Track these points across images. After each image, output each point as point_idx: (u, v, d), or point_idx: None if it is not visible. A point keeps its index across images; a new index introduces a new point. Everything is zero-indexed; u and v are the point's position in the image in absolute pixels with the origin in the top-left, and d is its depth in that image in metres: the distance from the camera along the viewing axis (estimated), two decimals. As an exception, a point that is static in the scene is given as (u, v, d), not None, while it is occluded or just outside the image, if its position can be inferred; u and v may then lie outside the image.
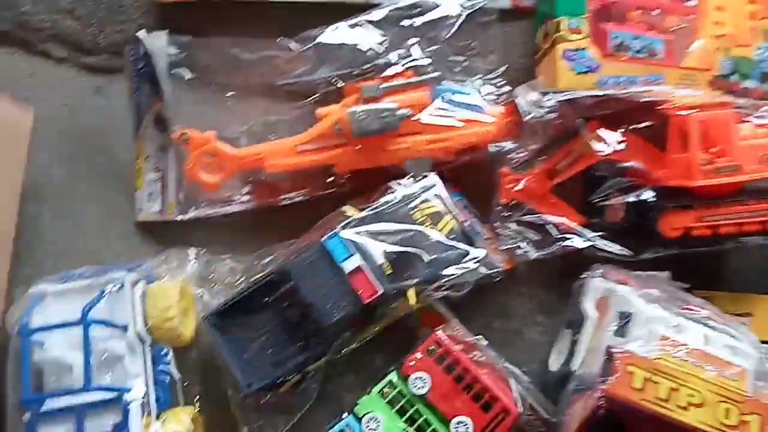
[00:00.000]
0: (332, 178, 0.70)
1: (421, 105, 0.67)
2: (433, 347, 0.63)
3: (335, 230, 0.61)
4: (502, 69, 0.72)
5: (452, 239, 0.63)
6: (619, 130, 0.65)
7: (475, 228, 0.66)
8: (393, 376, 0.63)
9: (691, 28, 0.71)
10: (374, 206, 0.63)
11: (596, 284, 0.64)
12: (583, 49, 0.68)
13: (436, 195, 0.64)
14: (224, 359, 0.61)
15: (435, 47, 0.69)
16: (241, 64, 0.70)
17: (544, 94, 0.63)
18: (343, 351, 0.63)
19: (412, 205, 0.63)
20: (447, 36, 0.69)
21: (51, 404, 0.55)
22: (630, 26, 0.70)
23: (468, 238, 0.63)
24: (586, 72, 0.68)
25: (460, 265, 0.62)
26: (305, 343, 0.62)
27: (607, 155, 0.64)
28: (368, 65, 0.69)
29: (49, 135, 0.73)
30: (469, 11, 0.70)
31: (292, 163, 0.68)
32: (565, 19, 0.68)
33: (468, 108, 0.68)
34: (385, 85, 0.67)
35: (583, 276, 0.66)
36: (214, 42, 0.69)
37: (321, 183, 0.71)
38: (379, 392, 0.63)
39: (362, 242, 0.61)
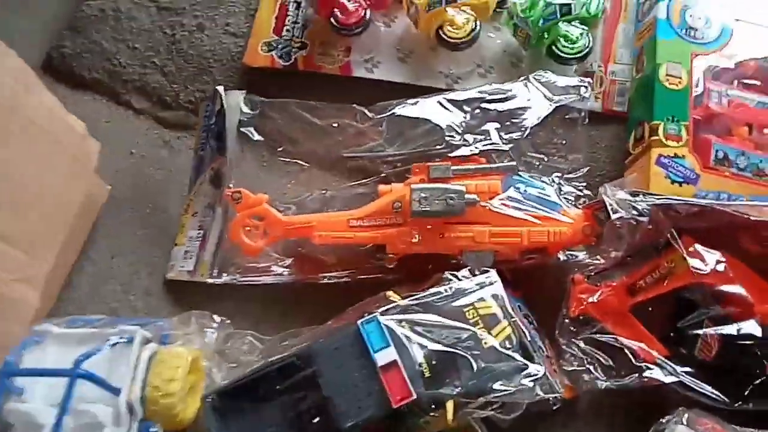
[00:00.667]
0: (381, 261, 0.64)
1: (492, 194, 0.61)
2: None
3: (374, 314, 0.53)
4: (585, 170, 0.65)
5: (507, 349, 0.53)
6: (719, 251, 0.55)
7: (536, 341, 0.57)
8: None
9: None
10: (422, 295, 0.55)
11: (681, 430, 0.51)
12: (682, 157, 0.61)
13: (494, 295, 0.55)
14: None
15: (515, 136, 0.63)
16: (309, 130, 0.67)
17: (635, 194, 0.55)
18: None
19: (465, 301, 0.55)
20: (530, 127, 0.64)
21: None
22: (735, 141, 0.63)
23: (526, 352, 0.53)
24: (682, 182, 0.61)
25: (514, 382, 0.51)
26: None
27: (703, 276, 0.54)
28: (441, 147, 0.64)
29: (109, 177, 0.72)
30: (557, 105, 0.65)
31: (341, 237, 0.63)
32: (664, 123, 0.61)
33: (543, 204, 0.61)
34: (455, 167, 0.62)
35: (663, 420, 0.53)
36: (287, 104, 0.67)
37: (368, 265, 0.65)
38: None
39: (402, 334, 0.52)
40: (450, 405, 0.50)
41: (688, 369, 0.54)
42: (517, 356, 0.52)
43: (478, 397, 0.51)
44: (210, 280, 0.65)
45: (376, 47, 0.72)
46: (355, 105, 0.66)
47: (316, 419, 0.50)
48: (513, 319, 0.54)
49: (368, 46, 0.72)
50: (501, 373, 0.52)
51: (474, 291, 0.55)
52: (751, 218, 0.55)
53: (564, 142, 0.66)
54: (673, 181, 0.61)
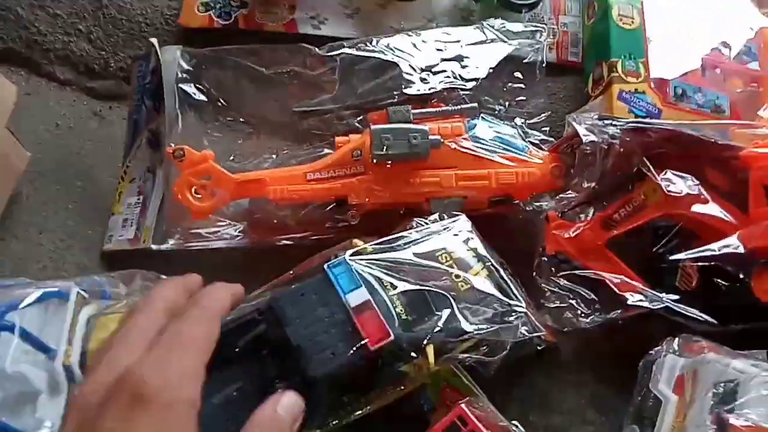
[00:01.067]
0: (343, 219, 0.59)
1: (455, 136, 0.58)
2: (455, 425, 0.48)
3: (340, 256, 0.48)
4: (546, 114, 0.63)
5: (485, 290, 0.49)
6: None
7: (512, 285, 0.53)
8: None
9: (757, 93, 0.64)
10: (391, 238, 0.51)
11: (671, 361, 0.49)
12: (642, 92, 0.60)
13: (467, 239, 0.52)
14: None
15: (474, 76, 0.61)
16: (255, 82, 0.62)
17: (605, 119, 0.53)
18: (332, 423, 0.46)
19: (437, 245, 0.51)
20: (489, 68, 0.62)
21: None
22: (692, 79, 0.63)
23: (504, 292, 0.50)
24: (645, 117, 0.60)
25: (496, 320, 0.48)
26: None
27: (678, 202, 0.52)
28: (398, 93, 0.61)
29: (32, 152, 0.64)
30: (514, 48, 0.63)
31: (298, 192, 0.58)
32: (622, 60, 0.61)
33: (509, 145, 0.59)
34: (416, 111, 0.58)
35: (652, 352, 0.51)
36: (229, 52, 0.62)
37: (329, 225, 0.60)
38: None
39: (373, 275, 0.47)
40: (430, 349, 0.45)
41: (672, 296, 0.52)
42: (497, 293, 0.49)
43: (460, 336, 0.46)
44: (154, 246, 0.58)
45: (322, 3, 0.69)
46: (303, 44, 0.61)
47: (284, 374, 0.43)
48: (488, 262, 0.51)
49: (313, 3, 0.69)
50: (482, 312, 0.48)
51: (445, 234, 0.52)
52: (718, 142, 0.54)
53: (523, 87, 0.64)
54: (636, 116, 0.60)
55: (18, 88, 0.69)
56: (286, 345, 0.42)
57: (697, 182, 0.53)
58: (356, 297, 0.45)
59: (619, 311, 0.52)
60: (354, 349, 0.43)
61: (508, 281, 0.51)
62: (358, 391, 0.46)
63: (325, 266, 0.47)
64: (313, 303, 0.45)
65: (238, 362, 0.43)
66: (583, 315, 0.53)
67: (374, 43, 0.62)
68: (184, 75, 0.63)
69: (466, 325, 0.47)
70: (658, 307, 0.51)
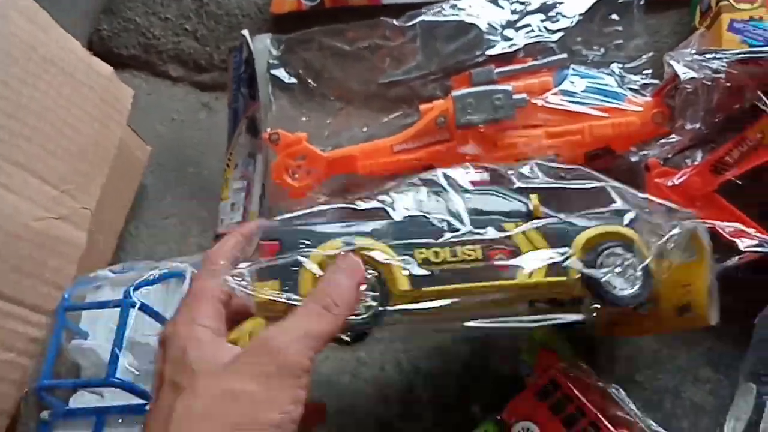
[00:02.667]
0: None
1: (544, 92, 0.55)
2: (547, 389, 0.47)
3: None
4: (649, 55, 0.58)
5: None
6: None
7: None
8: (489, 426, 0.47)
9: None
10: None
11: (795, 314, 0.44)
12: (759, 19, 0.53)
13: None
14: None
15: (562, 26, 0.58)
16: (340, 59, 0.64)
17: (706, 53, 0.48)
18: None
19: None
20: (577, 14, 0.58)
21: (72, 402, 0.47)
22: (823, -6, 0.54)
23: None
24: (763, 46, 0.53)
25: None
26: None
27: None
28: (481, 52, 0.59)
29: (152, 146, 0.72)
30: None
31: (386, 163, 0.59)
32: (731, -15, 0.54)
33: (603, 95, 0.55)
34: (499, 69, 0.57)
35: (773, 304, 0.46)
36: (313, 34, 0.64)
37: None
38: (471, 444, 0.47)
39: None
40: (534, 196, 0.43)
41: (793, 246, 0.46)
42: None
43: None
44: (260, 228, 0.62)
45: (403, -29, 0.68)
46: (382, 18, 0.62)
47: None
48: None
49: (394, -28, 0.68)
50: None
51: None
52: None
53: (620, 29, 0.59)
54: (751, 47, 0.53)
55: (140, 89, 0.78)
56: None
57: (824, 115, 0.46)
58: None
59: (733, 261, 0.47)
60: None
61: None
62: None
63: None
64: None
65: None
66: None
67: (452, 6, 0.60)
68: (275, 61, 0.65)
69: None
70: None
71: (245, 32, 0.66)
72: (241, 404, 0.31)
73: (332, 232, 0.39)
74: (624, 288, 0.40)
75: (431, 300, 0.39)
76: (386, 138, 0.60)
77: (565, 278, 0.40)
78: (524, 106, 0.55)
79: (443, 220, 0.41)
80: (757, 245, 0.46)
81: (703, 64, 0.47)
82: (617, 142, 0.55)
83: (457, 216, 0.41)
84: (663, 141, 0.51)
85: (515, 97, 0.54)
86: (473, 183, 0.45)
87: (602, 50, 0.59)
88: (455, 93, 0.56)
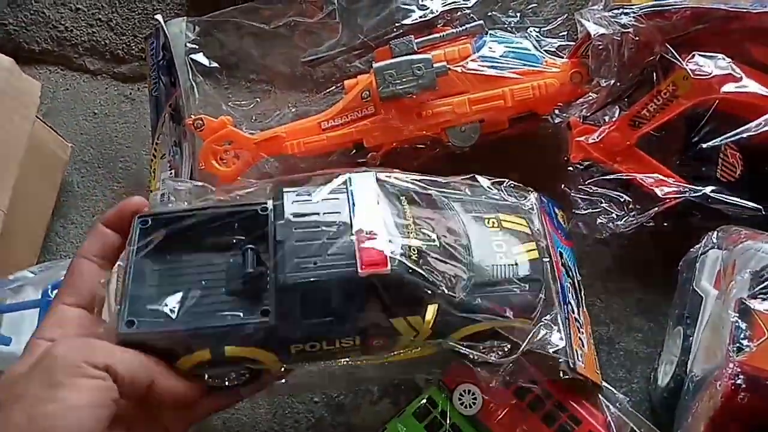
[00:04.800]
0: (365, 160, 0.59)
1: (463, 59, 0.56)
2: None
3: (370, 170, 0.43)
4: (563, 17, 0.59)
5: (528, 275, 0.41)
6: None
7: (566, 294, 0.45)
8: (433, 391, 0.48)
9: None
10: (440, 180, 0.46)
11: (713, 256, 0.46)
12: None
13: (528, 211, 0.46)
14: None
15: (477, -5, 0.58)
16: (259, 40, 0.62)
17: (614, 9, 0.49)
18: (289, 361, 0.39)
19: (489, 204, 0.45)
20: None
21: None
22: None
23: (548, 293, 0.42)
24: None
25: (522, 316, 0.40)
26: (242, 313, 0.37)
27: (709, 85, 0.48)
28: (399, 23, 0.59)
29: (77, 143, 0.69)
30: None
31: (315, 143, 0.58)
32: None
33: (522, 59, 0.56)
34: (419, 40, 0.57)
35: (693, 249, 0.48)
36: (229, 15, 0.62)
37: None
38: (414, 412, 0.47)
39: (399, 205, 0.40)
40: (432, 308, 0.38)
41: (712, 187, 0.48)
42: (535, 285, 0.41)
43: (471, 313, 0.39)
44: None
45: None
46: (295, -6, 0.61)
47: (262, 273, 0.37)
48: (543, 245, 0.44)
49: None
50: (511, 297, 0.40)
51: (503, 201, 0.46)
52: (752, 11, 0.49)
53: (534, -5, 0.60)
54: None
55: (57, 85, 0.74)
56: (272, 241, 0.38)
57: (729, 60, 0.48)
58: (367, 215, 0.38)
59: (654, 209, 0.49)
60: (341, 265, 0.36)
61: (561, 286, 0.44)
62: (333, 326, 0.38)
63: (348, 175, 0.41)
64: (317, 208, 0.39)
65: (219, 251, 0.39)
66: (617, 218, 0.50)
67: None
68: (193, 45, 0.63)
69: (484, 306, 0.39)
70: (694, 196, 0.47)
71: (159, 17, 0.64)
72: None
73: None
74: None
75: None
76: (313, 116, 0.60)
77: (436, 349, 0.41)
78: (445, 73, 0.55)
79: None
80: (674, 191, 0.48)
81: (612, 19, 0.48)
82: (539, 105, 0.56)
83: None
84: (582, 100, 0.52)
85: (436, 65, 0.55)
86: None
87: (518, 15, 0.60)
88: (376, 65, 0.55)
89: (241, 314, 0.37)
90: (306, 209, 0.39)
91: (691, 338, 0.44)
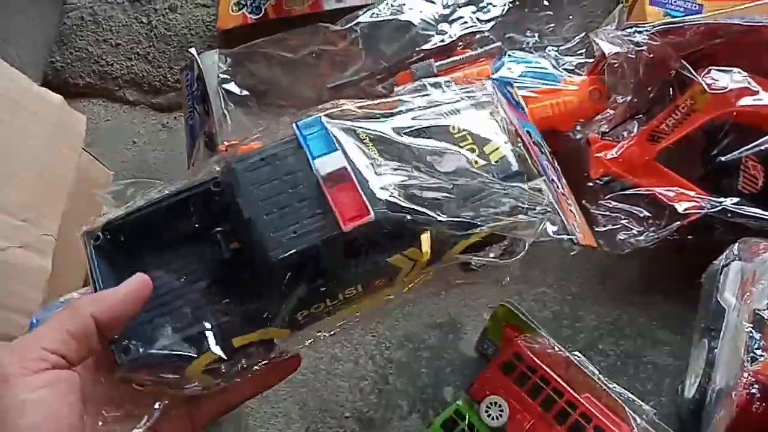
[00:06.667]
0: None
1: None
2: (511, 362, 0.49)
3: (315, 115, 0.37)
4: (581, 36, 0.60)
5: (507, 171, 0.38)
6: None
7: (546, 170, 0.42)
8: (460, 403, 0.49)
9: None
10: (386, 101, 0.40)
11: (735, 268, 0.46)
12: (678, -10, 0.56)
13: (490, 110, 0.40)
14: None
15: (493, 15, 0.60)
16: (286, 68, 0.65)
17: (628, 28, 0.50)
18: (301, 327, 0.36)
19: (448, 114, 0.39)
20: (507, 2, 0.60)
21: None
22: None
23: (531, 176, 0.39)
24: (684, 16, 0.55)
25: (515, 213, 0.37)
26: (234, 300, 0.35)
27: (727, 99, 0.49)
28: (420, 48, 0.61)
29: (118, 170, 0.73)
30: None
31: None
32: (650, -41, 0.56)
33: (540, 78, 0.57)
34: (439, 63, 0.59)
35: (716, 262, 0.48)
36: (257, 46, 0.65)
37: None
38: (442, 424, 0.48)
39: (357, 145, 0.35)
40: (426, 237, 0.36)
41: (734, 199, 0.48)
42: (518, 182, 0.38)
43: (464, 229, 0.36)
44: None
45: (342, -24, 0.70)
46: (320, 24, 0.63)
47: (238, 257, 0.35)
48: (513, 131, 0.40)
49: (334, -22, 0.70)
50: (497, 201, 0.37)
51: (461, 103, 0.40)
52: (767, 24, 0.49)
53: (551, 13, 0.61)
54: (674, 18, 0.55)
55: (99, 116, 0.79)
56: (240, 221, 0.34)
57: (745, 74, 0.49)
58: (329, 162, 0.34)
59: (676, 223, 0.49)
60: (322, 226, 0.33)
61: (542, 166, 0.41)
62: (332, 284, 0.35)
63: (293, 123, 0.36)
64: (275, 170, 0.34)
65: (186, 243, 0.36)
66: (637, 234, 0.51)
67: (387, 6, 0.62)
68: (225, 75, 0.67)
69: (473, 217, 0.36)
70: (715, 210, 0.48)
71: (193, 51, 0.67)
72: None
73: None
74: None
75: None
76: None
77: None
78: (466, 95, 0.57)
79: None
80: (695, 206, 0.48)
81: (626, 38, 0.49)
82: (560, 122, 0.57)
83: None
84: (600, 116, 0.53)
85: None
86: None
87: (536, 35, 0.61)
88: (397, 89, 0.57)
89: (225, 315, 0.34)
90: (264, 175, 0.34)
91: (715, 350, 0.45)
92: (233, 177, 0.34)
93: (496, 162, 0.38)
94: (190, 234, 0.35)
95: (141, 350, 0.33)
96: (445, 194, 0.36)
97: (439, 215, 0.35)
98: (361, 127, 0.36)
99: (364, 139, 0.36)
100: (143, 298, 0.33)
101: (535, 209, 0.37)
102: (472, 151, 0.38)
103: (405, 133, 0.37)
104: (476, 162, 0.38)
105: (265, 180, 0.34)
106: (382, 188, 0.34)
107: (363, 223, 0.33)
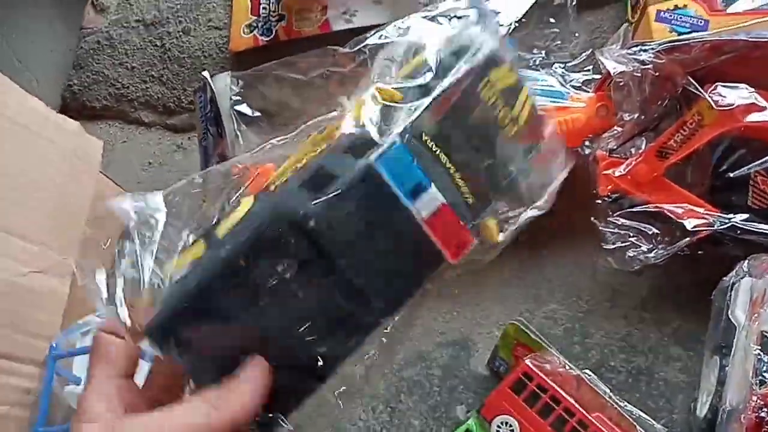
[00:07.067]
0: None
1: (490, 99, 0.58)
2: (521, 382, 0.49)
3: (392, 140, 0.30)
4: (588, 53, 0.61)
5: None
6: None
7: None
8: (471, 423, 0.49)
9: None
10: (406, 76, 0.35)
11: (746, 284, 0.46)
12: (683, 7, 0.56)
13: (509, 56, 0.34)
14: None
15: (500, 36, 0.60)
16: (297, 90, 0.66)
17: (633, 47, 0.50)
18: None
19: (475, 71, 0.32)
20: (514, 22, 0.61)
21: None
22: (744, -23, 0.57)
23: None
24: (690, 33, 0.55)
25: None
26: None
27: (734, 115, 0.48)
28: (428, 67, 0.61)
29: (134, 191, 0.74)
30: (537, -4, 0.61)
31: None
32: (655, -23, 0.57)
33: (547, 96, 0.58)
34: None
35: (726, 278, 0.48)
36: (268, 69, 0.67)
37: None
38: (454, 443, 0.49)
39: (431, 151, 0.31)
40: (493, 224, 0.34)
41: (743, 216, 0.48)
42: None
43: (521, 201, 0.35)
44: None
45: (350, -3, 0.71)
46: (328, 46, 0.64)
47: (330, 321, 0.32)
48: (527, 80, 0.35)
49: (343, -1, 0.72)
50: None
51: (476, 55, 0.33)
52: (773, 40, 0.49)
53: (557, 30, 0.62)
54: (680, 34, 0.55)
55: (115, 138, 0.81)
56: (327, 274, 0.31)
57: (752, 90, 0.49)
58: (427, 202, 0.31)
59: (685, 239, 0.49)
60: (428, 265, 0.32)
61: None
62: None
63: (373, 160, 0.30)
64: (363, 218, 0.30)
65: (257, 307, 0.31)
66: (647, 251, 0.51)
67: (395, 27, 0.63)
68: (237, 97, 0.68)
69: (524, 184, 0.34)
70: (724, 227, 0.48)
71: (205, 73, 0.68)
72: None
73: None
74: None
75: None
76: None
77: None
78: (474, 114, 0.57)
79: None
80: (704, 223, 0.48)
81: (631, 57, 0.50)
82: (568, 139, 0.57)
83: None
84: (608, 134, 0.53)
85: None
86: None
87: (543, 53, 0.62)
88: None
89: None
90: (345, 220, 0.30)
91: (726, 368, 0.44)
92: (320, 230, 0.30)
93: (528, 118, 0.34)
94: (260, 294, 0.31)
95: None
96: (502, 167, 0.34)
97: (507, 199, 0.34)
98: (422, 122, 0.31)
99: (431, 140, 0.31)
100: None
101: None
102: (504, 119, 0.33)
103: (451, 114, 0.32)
104: (511, 128, 0.33)
105: (350, 227, 0.30)
106: (464, 196, 0.32)
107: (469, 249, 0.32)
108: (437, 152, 0.31)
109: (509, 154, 0.34)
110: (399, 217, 0.30)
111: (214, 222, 0.35)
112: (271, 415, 0.32)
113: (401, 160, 0.30)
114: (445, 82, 0.32)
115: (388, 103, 0.32)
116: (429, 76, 0.33)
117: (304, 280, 0.31)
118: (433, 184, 0.31)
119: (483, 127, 0.33)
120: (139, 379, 0.33)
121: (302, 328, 0.32)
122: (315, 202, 0.30)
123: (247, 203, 0.34)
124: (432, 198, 0.30)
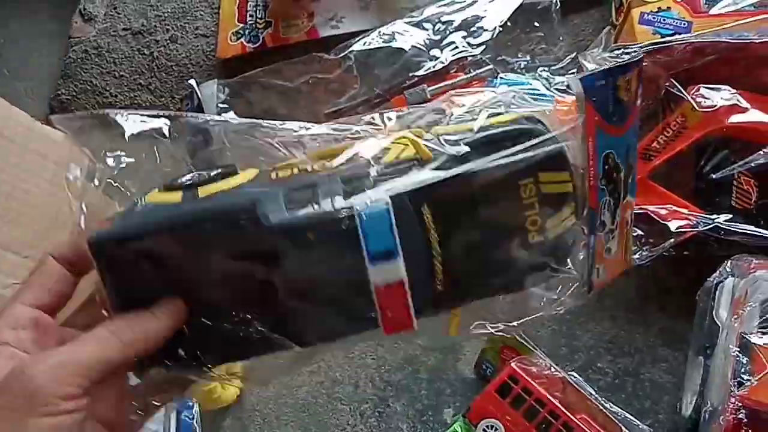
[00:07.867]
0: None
1: (475, 104, 0.58)
2: (507, 385, 0.49)
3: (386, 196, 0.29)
4: (572, 56, 0.61)
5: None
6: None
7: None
8: (458, 426, 0.49)
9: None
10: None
11: (728, 285, 0.46)
12: (667, 9, 0.56)
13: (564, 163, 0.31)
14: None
15: (484, 39, 0.61)
16: (283, 96, 0.66)
17: (616, 50, 0.51)
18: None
19: (520, 166, 0.30)
20: (497, 26, 0.61)
21: None
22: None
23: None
24: (673, 35, 0.55)
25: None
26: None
27: (716, 117, 0.49)
28: (412, 74, 0.62)
29: (122, 200, 0.74)
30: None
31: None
32: (637, -20, 0.57)
33: (533, 98, 0.58)
34: (432, 87, 0.60)
35: (710, 279, 0.48)
36: (255, 77, 0.67)
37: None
38: (441, 447, 0.49)
39: (424, 222, 0.30)
40: (456, 320, 0.32)
41: (726, 216, 0.48)
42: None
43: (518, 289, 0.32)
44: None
45: (335, 3, 0.71)
46: (314, 53, 0.65)
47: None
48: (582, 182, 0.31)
49: (329, 5, 0.72)
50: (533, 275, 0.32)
51: (533, 148, 0.31)
52: (756, 41, 0.50)
53: (542, 34, 0.62)
54: (663, 36, 0.56)
55: (104, 147, 0.80)
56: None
57: (734, 91, 0.49)
58: (387, 270, 0.29)
59: (669, 241, 0.49)
60: (360, 323, 0.31)
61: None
62: None
63: (356, 209, 0.29)
64: (323, 251, 0.30)
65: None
66: (632, 252, 0.51)
67: (379, 33, 0.63)
68: (224, 105, 0.68)
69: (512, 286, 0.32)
70: (706, 228, 0.48)
71: (192, 81, 0.69)
72: None
73: None
74: None
75: None
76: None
77: None
78: (457, 119, 0.57)
79: None
80: (688, 225, 0.48)
81: (613, 60, 0.50)
82: (552, 142, 0.58)
83: None
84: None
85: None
86: None
87: (528, 57, 0.62)
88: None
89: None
90: (310, 253, 0.30)
91: (710, 368, 0.44)
92: (286, 247, 0.29)
93: (560, 233, 0.31)
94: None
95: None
96: (495, 274, 0.32)
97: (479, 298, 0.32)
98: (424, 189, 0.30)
99: (427, 209, 0.30)
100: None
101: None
102: (534, 225, 0.31)
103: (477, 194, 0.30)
104: (533, 237, 0.31)
105: (311, 260, 0.30)
106: (435, 274, 0.30)
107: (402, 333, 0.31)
108: (430, 229, 0.30)
109: (518, 258, 0.31)
110: (355, 269, 0.29)
111: (202, 179, 0.34)
112: (183, 352, 0.31)
113: (382, 221, 0.29)
114: (480, 164, 0.30)
115: (411, 157, 0.31)
116: (465, 149, 0.31)
117: (249, 270, 0.30)
118: (401, 258, 0.29)
119: (503, 223, 0.31)
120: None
121: (234, 310, 0.30)
122: (290, 216, 0.29)
123: (244, 176, 0.33)
124: (394, 270, 0.29)
